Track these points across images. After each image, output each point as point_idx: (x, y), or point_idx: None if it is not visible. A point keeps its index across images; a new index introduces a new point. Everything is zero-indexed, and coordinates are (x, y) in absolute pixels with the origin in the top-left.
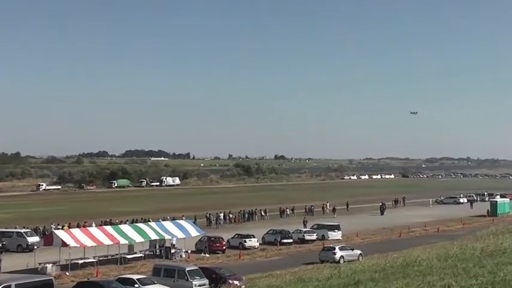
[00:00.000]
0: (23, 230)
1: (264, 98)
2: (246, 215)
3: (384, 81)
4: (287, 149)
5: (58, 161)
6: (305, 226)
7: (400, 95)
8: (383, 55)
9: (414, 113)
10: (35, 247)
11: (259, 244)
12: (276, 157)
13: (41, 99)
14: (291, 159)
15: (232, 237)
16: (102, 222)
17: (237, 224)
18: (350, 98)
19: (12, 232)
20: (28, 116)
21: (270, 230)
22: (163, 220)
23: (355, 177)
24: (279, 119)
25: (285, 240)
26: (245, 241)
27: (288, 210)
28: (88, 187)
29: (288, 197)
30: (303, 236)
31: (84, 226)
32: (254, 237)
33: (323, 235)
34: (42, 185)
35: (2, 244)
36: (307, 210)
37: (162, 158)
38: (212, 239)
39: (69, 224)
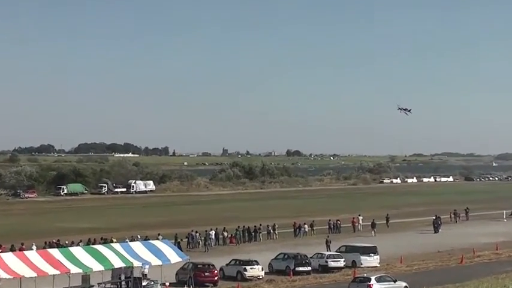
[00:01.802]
0: None
1: (272, 75)
2: (247, 233)
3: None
4: (304, 143)
5: None
6: (329, 248)
7: (463, 69)
8: (431, 27)
9: (404, 110)
10: None
11: (265, 273)
12: (288, 153)
13: None
14: (310, 156)
15: (227, 264)
16: (46, 243)
17: (234, 245)
18: (389, 72)
19: None
20: None
21: (280, 253)
22: (131, 240)
23: (398, 181)
24: (292, 103)
25: (300, 268)
26: (245, 269)
27: (305, 226)
28: (26, 195)
29: (306, 207)
30: (326, 261)
31: (20, 249)
32: (258, 263)
33: (354, 261)
34: None
35: None
36: (332, 227)
37: (130, 155)
38: (199, 266)
39: (0, 246)
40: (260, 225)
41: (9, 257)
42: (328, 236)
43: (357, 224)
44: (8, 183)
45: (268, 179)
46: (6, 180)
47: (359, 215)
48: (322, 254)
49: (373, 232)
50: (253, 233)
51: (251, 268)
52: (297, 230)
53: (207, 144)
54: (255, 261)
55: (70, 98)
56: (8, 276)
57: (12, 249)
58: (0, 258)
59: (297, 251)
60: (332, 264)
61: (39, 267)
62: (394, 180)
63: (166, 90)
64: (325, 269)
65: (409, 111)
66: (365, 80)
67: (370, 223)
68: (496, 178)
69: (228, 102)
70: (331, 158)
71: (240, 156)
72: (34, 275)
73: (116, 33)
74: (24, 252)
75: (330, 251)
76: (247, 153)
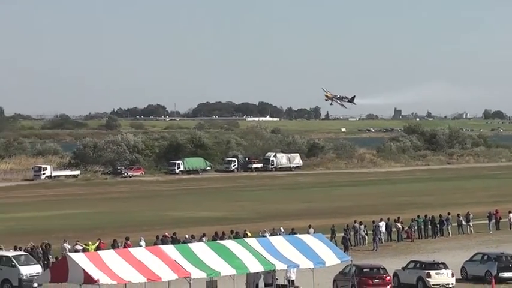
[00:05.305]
0: (11, 253)
1: None
2: (430, 226)
3: None
4: (508, 99)
5: (70, 122)
6: None
7: None
8: None
9: (340, 99)
10: (35, 285)
11: (456, 280)
12: (486, 115)
13: None
14: None
15: (403, 268)
16: (157, 238)
17: (412, 242)
18: None
19: None
20: None
21: (477, 253)
22: (272, 235)
23: None
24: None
25: (506, 274)
26: (428, 275)
27: (511, 215)
28: (129, 172)
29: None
30: None
31: (125, 246)
32: (446, 267)
33: None
34: (44, 168)
35: None
36: None
37: (268, 118)
38: (366, 270)
39: (98, 241)
40: (448, 214)
41: (111, 256)
42: None
43: None
44: (105, 157)
45: (458, 150)
46: (103, 154)
47: None
48: None
49: None
50: (438, 225)
51: (437, 273)
52: (498, 221)
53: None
54: (442, 263)
55: (186, 44)
56: (110, 282)
57: (114, 246)
58: (99, 257)
59: (501, 250)
60: None
61: (150, 269)
62: None
63: (315, 24)
64: None
65: (349, 100)
66: None
67: None
68: None
69: (400, 42)
70: None
71: (418, 119)
72: (143, 280)
73: None
74: (130, 249)
75: None
76: (429, 115)
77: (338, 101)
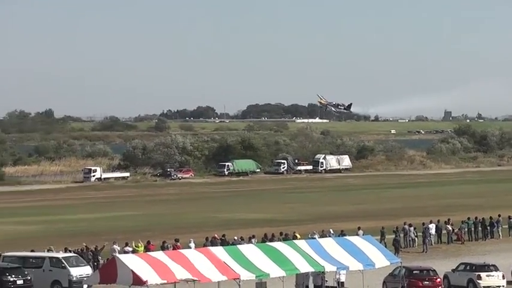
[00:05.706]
0: (61, 255)
1: None
2: (480, 228)
3: None
4: None
5: (119, 124)
6: None
7: None
8: None
9: (334, 106)
10: (85, 286)
11: (507, 282)
12: None
13: None
14: None
15: (453, 270)
16: (206, 239)
17: (462, 244)
18: None
19: (43, 258)
20: None
21: None
22: (321, 237)
23: None
24: None
25: None
26: (479, 277)
27: None
28: (179, 174)
29: None
30: None
31: (175, 247)
32: (496, 269)
33: None
34: (94, 170)
35: (25, 280)
36: None
37: (317, 120)
38: (416, 272)
39: (148, 242)
40: (499, 216)
41: (160, 257)
42: None
43: None
44: (155, 159)
45: (508, 152)
46: (153, 156)
47: None
48: None
49: None
50: (488, 227)
51: (487, 275)
52: None
53: (423, 104)
54: (493, 265)
55: (236, 47)
56: (159, 281)
57: (163, 248)
58: (149, 257)
59: None
60: None
61: (199, 270)
62: None
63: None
64: None
65: (346, 108)
66: None
67: None
68: None
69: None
70: None
71: (468, 120)
72: (194, 279)
73: None
74: (180, 251)
75: None
76: (479, 116)
77: (333, 108)
